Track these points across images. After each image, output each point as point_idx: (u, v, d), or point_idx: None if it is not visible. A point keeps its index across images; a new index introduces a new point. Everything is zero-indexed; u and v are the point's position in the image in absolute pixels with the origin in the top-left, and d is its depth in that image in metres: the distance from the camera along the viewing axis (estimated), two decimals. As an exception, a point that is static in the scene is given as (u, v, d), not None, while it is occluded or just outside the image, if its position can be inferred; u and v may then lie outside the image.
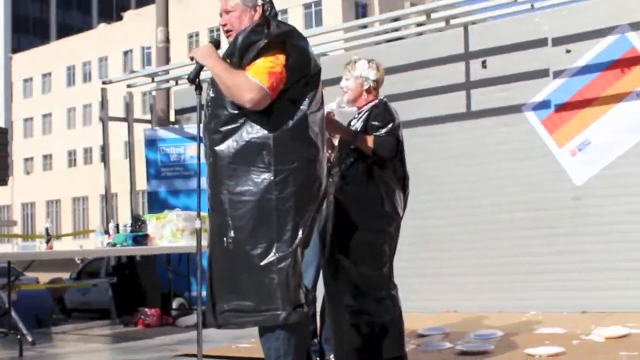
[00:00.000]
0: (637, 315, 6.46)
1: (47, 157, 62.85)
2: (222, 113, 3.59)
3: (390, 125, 4.46)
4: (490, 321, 6.70)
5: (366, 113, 4.55)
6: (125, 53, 58.54)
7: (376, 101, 4.63)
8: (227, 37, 3.73)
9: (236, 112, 3.54)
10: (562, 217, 7.39)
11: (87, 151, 60.12)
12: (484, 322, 6.65)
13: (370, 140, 4.38)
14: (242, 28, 3.64)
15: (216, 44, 3.75)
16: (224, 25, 3.75)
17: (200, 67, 3.68)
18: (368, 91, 4.62)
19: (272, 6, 3.74)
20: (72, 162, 60.94)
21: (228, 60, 3.61)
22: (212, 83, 3.64)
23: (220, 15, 3.76)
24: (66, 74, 62.25)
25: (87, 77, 60.91)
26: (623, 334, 5.59)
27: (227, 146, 3.54)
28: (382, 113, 4.52)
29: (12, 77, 65.94)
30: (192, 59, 3.72)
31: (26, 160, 60.03)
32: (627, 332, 5.63)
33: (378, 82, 4.65)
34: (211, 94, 3.67)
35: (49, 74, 63.19)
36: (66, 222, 49.51)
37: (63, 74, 62.35)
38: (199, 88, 3.68)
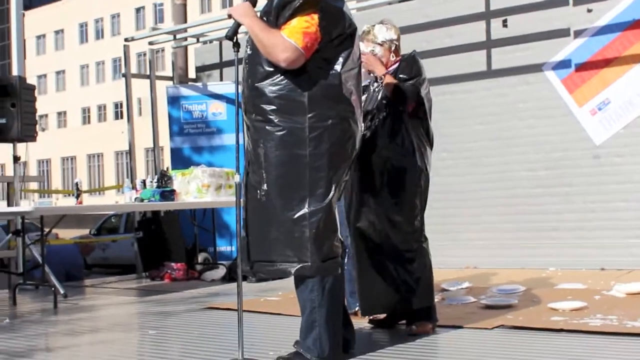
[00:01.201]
0: (655, 272, 6.62)
1: (61, 114, 63.04)
2: (258, 70, 3.70)
3: (416, 79, 4.57)
4: (510, 277, 6.83)
5: (394, 67, 4.66)
6: (138, 10, 58.31)
7: (404, 56, 4.75)
8: None
9: (272, 69, 3.66)
10: (581, 175, 7.50)
11: (101, 108, 60.25)
12: (505, 278, 6.79)
13: (393, 83, 4.50)
14: None
15: (253, 2, 3.84)
16: None
17: (237, 25, 3.77)
18: (395, 52, 4.73)
19: None
20: (86, 119, 61.13)
21: (264, 19, 3.72)
22: (251, 41, 3.74)
23: None
24: (79, 30, 62.13)
25: (99, 34, 60.81)
26: (643, 290, 5.71)
27: (264, 102, 3.66)
28: (410, 66, 4.64)
29: (25, 34, 65.87)
30: (229, 16, 3.81)
31: (41, 117, 60.18)
32: (647, 288, 5.74)
33: (399, 40, 4.75)
34: (249, 52, 3.78)
35: (62, 30, 63.11)
36: (82, 178, 49.74)
37: (75, 30, 62.25)
38: (236, 45, 3.78)
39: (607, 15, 7.42)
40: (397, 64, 4.70)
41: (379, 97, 4.58)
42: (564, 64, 7.63)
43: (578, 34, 7.56)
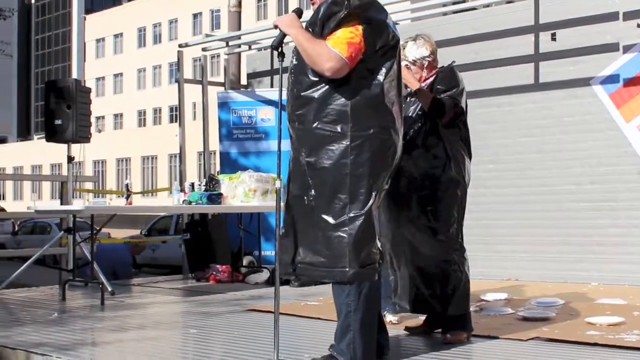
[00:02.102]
0: (697, 289, 6.56)
1: (117, 116, 64.14)
2: (303, 80, 3.81)
3: (454, 90, 4.64)
4: (551, 290, 6.82)
5: (431, 80, 4.74)
6: (195, 16, 59.07)
7: (441, 67, 4.82)
8: (312, 4, 3.94)
9: (317, 79, 3.77)
10: (626, 190, 7.46)
11: (157, 111, 61.16)
12: (545, 291, 6.79)
13: (430, 97, 4.58)
14: None
15: (299, 13, 3.97)
16: None
17: (283, 35, 3.89)
18: (428, 67, 4.80)
19: None
20: (141, 122, 62.08)
21: (310, 30, 3.82)
22: (296, 51, 3.86)
23: None
24: (137, 35, 63.18)
25: (157, 39, 61.74)
26: (683, 306, 5.69)
27: (308, 111, 3.78)
28: (447, 77, 4.71)
29: (85, 37, 67.17)
30: (276, 27, 3.94)
31: (98, 118, 61.33)
32: (687, 305, 5.73)
33: (434, 54, 4.82)
34: (294, 62, 3.90)
35: (121, 34, 64.25)
36: (135, 179, 50.59)
37: (134, 35, 63.30)
38: (281, 55, 3.90)
39: (657, 30, 7.38)
40: (433, 77, 4.77)
41: (416, 109, 4.67)
42: (612, 79, 7.60)
43: (627, 49, 7.52)
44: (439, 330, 4.78)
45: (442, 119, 4.58)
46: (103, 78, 65.29)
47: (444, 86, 4.65)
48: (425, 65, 4.78)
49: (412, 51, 4.74)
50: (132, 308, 6.58)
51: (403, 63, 4.65)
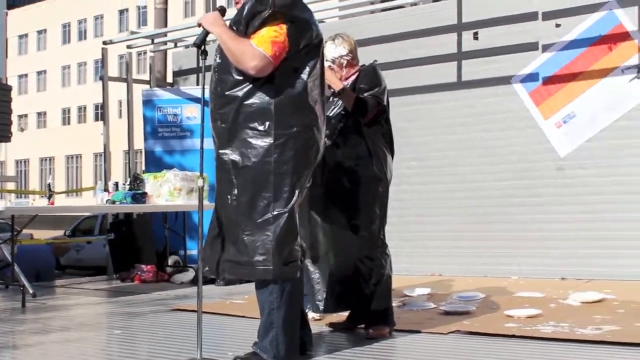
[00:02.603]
0: (613, 282, 6.78)
1: (41, 115, 62.79)
2: (227, 78, 3.82)
3: (376, 89, 4.71)
4: (473, 285, 6.96)
5: (353, 78, 4.80)
6: (121, 12, 58.22)
7: (363, 66, 4.88)
8: (236, 4, 3.95)
9: (241, 78, 3.77)
10: (545, 186, 7.66)
11: (81, 109, 60.07)
12: (467, 285, 6.93)
13: (353, 97, 4.64)
14: None
15: (222, 11, 3.97)
16: None
17: (206, 34, 3.89)
18: (347, 66, 4.86)
19: None
20: (66, 120, 60.94)
21: (234, 28, 3.83)
22: (220, 50, 3.86)
23: None
24: (61, 31, 61.95)
25: (82, 35, 60.64)
26: (598, 299, 5.85)
27: (231, 110, 3.78)
28: (369, 76, 4.78)
29: (7, 33, 65.60)
30: (199, 25, 3.93)
31: (20, 117, 59.99)
32: (602, 297, 5.89)
33: (352, 52, 4.87)
34: (218, 60, 3.89)
35: (44, 30, 62.89)
36: (59, 179, 49.67)
37: (58, 31, 62.05)
38: (204, 53, 3.90)
39: (574, 30, 7.58)
40: (356, 75, 4.83)
41: (337, 107, 4.72)
42: (531, 77, 7.79)
43: (546, 48, 7.72)
44: (362, 325, 4.83)
45: (365, 118, 4.64)
46: (26, 75, 63.83)
47: (367, 85, 4.71)
48: (344, 64, 4.84)
49: (330, 50, 4.79)
50: (54, 310, 6.48)
51: (326, 63, 4.69)
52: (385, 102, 4.75)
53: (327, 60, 4.72)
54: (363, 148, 4.66)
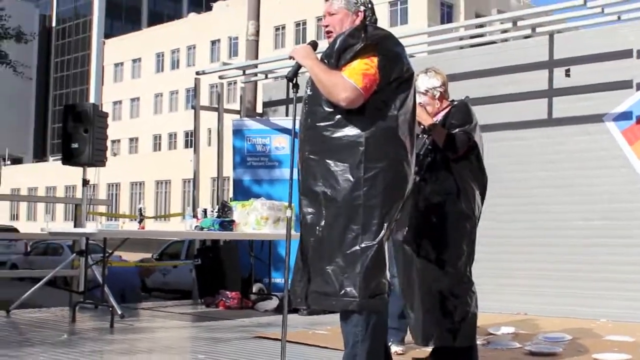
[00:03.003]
0: None
1: (133, 140, 64.54)
2: (318, 110, 3.85)
3: (467, 126, 4.70)
4: (559, 325, 6.82)
5: (444, 113, 4.80)
6: (213, 42, 59.56)
7: (455, 102, 4.88)
8: (328, 37, 4.00)
9: (331, 110, 3.80)
10: (637, 227, 7.46)
11: (172, 136, 61.50)
12: (553, 326, 6.79)
13: (444, 133, 4.64)
14: (342, 30, 3.90)
15: (314, 45, 4.02)
16: (326, 26, 4.02)
17: (298, 67, 3.93)
18: (440, 99, 4.87)
19: (373, 13, 4.01)
20: (157, 146, 62.43)
21: (325, 61, 3.88)
22: (311, 82, 3.91)
23: (324, 17, 4.04)
24: (155, 60, 63.73)
25: (175, 65, 62.23)
26: (691, 345, 5.68)
27: (322, 142, 3.82)
28: (460, 112, 4.77)
29: (104, 61, 67.83)
30: (291, 58, 3.99)
31: (113, 142, 61.71)
32: (695, 344, 5.71)
33: (445, 85, 4.89)
34: (309, 92, 3.94)
35: (139, 59, 64.82)
36: (148, 204, 50.76)
37: (152, 60, 63.85)
38: (296, 86, 3.95)
39: (670, 69, 7.42)
40: (446, 109, 4.83)
41: (427, 143, 4.72)
42: (625, 116, 7.64)
43: (640, 86, 7.57)
44: (446, 363, 4.78)
45: (455, 154, 4.63)
46: (120, 102, 65.80)
47: (458, 121, 4.71)
48: (436, 96, 4.85)
49: (424, 82, 4.81)
50: (141, 332, 6.61)
51: (419, 97, 4.71)
52: (476, 139, 4.73)
53: (419, 92, 4.74)
54: (451, 184, 4.64)
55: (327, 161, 3.79)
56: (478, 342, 4.91)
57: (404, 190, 3.87)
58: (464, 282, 4.64)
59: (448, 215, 4.60)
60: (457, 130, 4.67)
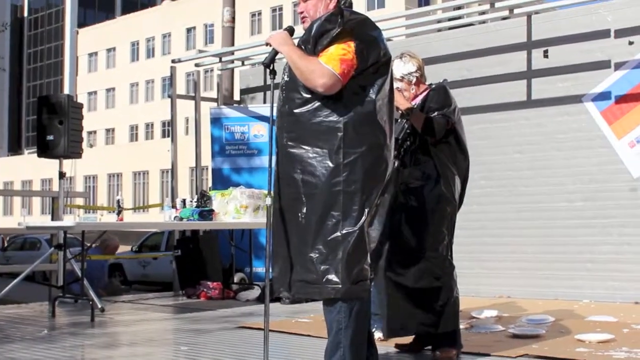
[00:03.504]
0: (689, 306, 6.57)
1: (109, 131, 64.16)
2: (295, 97, 3.80)
3: (445, 109, 4.67)
4: (542, 307, 6.83)
5: (422, 97, 4.76)
6: (189, 30, 59.25)
7: (433, 85, 4.85)
8: (303, 22, 3.95)
9: (309, 96, 3.75)
10: (618, 207, 7.47)
11: (149, 126, 61.19)
12: (536, 308, 6.79)
13: (422, 117, 4.60)
14: (317, 16, 3.86)
15: (290, 31, 3.98)
16: (301, 12, 3.97)
17: (275, 53, 3.88)
18: (417, 83, 4.83)
19: None
20: (134, 137, 62.09)
21: (302, 47, 3.82)
22: (288, 68, 3.86)
23: (299, 2, 3.98)
24: (130, 49, 63.29)
25: (150, 53, 61.86)
26: (674, 324, 5.70)
27: (300, 128, 3.77)
28: (439, 96, 4.75)
29: (78, 52, 67.26)
30: (268, 44, 3.94)
31: (89, 133, 61.34)
32: (678, 323, 5.73)
33: (421, 69, 4.85)
34: (286, 78, 3.89)
35: (114, 49, 64.37)
36: (127, 195, 50.55)
37: (127, 49, 63.43)
38: (273, 72, 3.90)
39: (648, 48, 7.41)
40: (425, 93, 4.79)
41: (406, 127, 4.68)
42: (603, 96, 7.63)
43: (619, 66, 7.56)
44: (429, 347, 4.77)
45: (433, 138, 4.60)
46: (95, 92, 65.32)
47: (437, 104, 4.68)
48: (413, 81, 4.82)
49: (399, 68, 4.76)
50: (122, 325, 6.55)
51: (395, 82, 4.66)
52: (454, 121, 4.69)
53: (396, 78, 4.69)
54: (431, 168, 4.62)
55: (306, 147, 3.75)
56: (461, 326, 4.89)
57: (384, 175, 3.84)
58: (446, 267, 4.62)
59: (428, 199, 4.58)
60: (435, 113, 4.64)
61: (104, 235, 9.38)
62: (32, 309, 7.59)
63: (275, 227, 3.90)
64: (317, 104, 3.74)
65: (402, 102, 4.62)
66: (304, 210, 3.75)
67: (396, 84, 4.69)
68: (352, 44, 3.73)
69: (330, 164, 3.71)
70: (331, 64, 3.68)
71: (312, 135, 3.74)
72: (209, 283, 8.41)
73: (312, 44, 3.78)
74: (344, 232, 3.69)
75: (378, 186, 3.82)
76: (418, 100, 4.79)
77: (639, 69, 7.44)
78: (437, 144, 4.65)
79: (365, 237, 3.78)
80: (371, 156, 3.75)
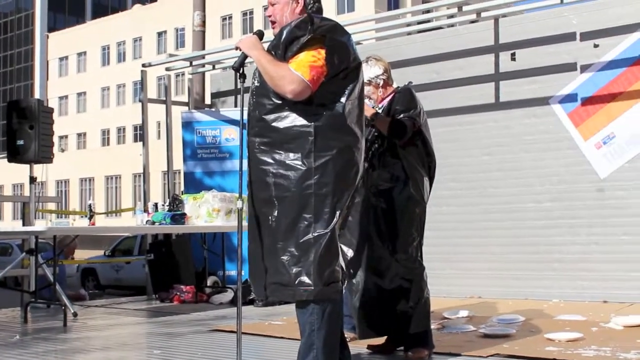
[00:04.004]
0: (656, 305, 6.69)
1: (81, 135, 63.68)
2: (266, 102, 3.84)
3: (412, 111, 4.74)
4: (512, 307, 6.91)
5: (389, 99, 4.83)
6: (160, 34, 58.96)
7: (399, 88, 4.91)
8: (273, 27, 3.98)
9: (279, 102, 3.79)
10: (585, 208, 7.58)
11: (121, 130, 60.78)
12: (506, 308, 6.87)
13: (387, 121, 4.66)
14: (284, 19, 3.90)
15: (260, 35, 4.01)
16: (270, 16, 4.01)
17: (244, 57, 3.92)
18: (384, 86, 4.90)
19: (315, 0, 3.99)
20: (105, 141, 61.68)
21: (272, 52, 3.86)
22: (258, 73, 3.89)
23: (267, 7, 4.03)
24: (101, 53, 62.87)
25: (121, 57, 61.47)
26: (640, 322, 5.79)
27: (271, 133, 3.80)
28: (405, 98, 4.81)
29: (48, 56, 66.70)
30: (237, 48, 3.97)
31: (61, 138, 60.84)
32: (645, 321, 5.82)
33: (387, 72, 4.92)
34: (256, 83, 3.92)
35: (84, 53, 63.89)
36: (99, 199, 50.24)
37: (98, 53, 62.99)
38: (242, 76, 3.93)
39: (613, 50, 7.53)
40: (391, 96, 4.85)
41: (373, 130, 4.74)
42: (570, 98, 7.75)
43: (585, 68, 7.67)
44: (401, 348, 4.82)
45: (401, 140, 4.66)
46: (66, 97, 64.79)
47: (402, 106, 4.74)
48: (380, 84, 4.89)
49: (366, 71, 4.81)
50: (95, 329, 6.55)
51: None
52: (420, 123, 4.75)
53: (368, 82, 4.76)
54: (399, 170, 4.68)
55: (278, 151, 3.79)
56: (433, 326, 4.96)
57: (355, 178, 3.89)
58: (416, 267, 4.68)
59: (397, 201, 4.64)
60: (401, 115, 4.70)
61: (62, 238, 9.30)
62: (4, 315, 7.55)
63: (249, 230, 3.94)
64: (287, 109, 3.78)
65: (366, 109, 4.68)
66: (276, 213, 3.79)
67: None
68: (322, 51, 3.77)
69: (302, 168, 3.75)
70: (301, 70, 3.72)
71: (283, 139, 3.78)
72: (182, 287, 8.42)
73: (282, 50, 3.81)
74: (315, 234, 3.73)
75: (349, 189, 3.87)
76: (385, 102, 4.85)
77: (605, 71, 7.57)
78: (405, 147, 4.71)
79: (337, 239, 3.82)
80: (342, 159, 3.80)
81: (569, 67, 7.75)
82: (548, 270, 7.70)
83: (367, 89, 4.82)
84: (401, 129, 4.65)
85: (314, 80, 3.73)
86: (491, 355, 4.76)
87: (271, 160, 3.81)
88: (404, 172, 4.67)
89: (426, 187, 4.79)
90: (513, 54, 8.12)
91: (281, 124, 3.78)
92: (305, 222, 3.74)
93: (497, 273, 7.99)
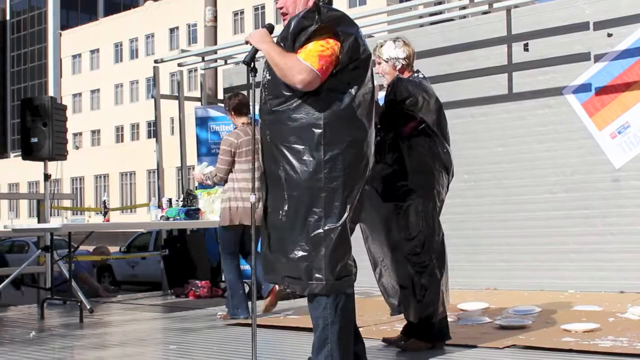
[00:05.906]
0: (672, 294, 6.65)
1: (95, 132, 63.92)
2: (276, 94, 3.83)
3: (409, 100, 4.64)
4: (529, 299, 6.90)
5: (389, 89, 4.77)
6: (172, 30, 59.06)
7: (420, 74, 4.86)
8: (283, 19, 3.97)
9: (289, 94, 3.78)
10: (600, 198, 7.55)
11: (134, 127, 60.97)
12: (522, 299, 6.86)
13: (378, 112, 4.61)
14: (296, 11, 3.88)
15: (270, 28, 4.00)
16: (281, 8, 3.99)
17: (255, 51, 3.92)
18: (401, 70, 4.83)
19: None
20: (119, 138, 61.89)
21: (282, 44, 3.85)
22: (268, 66, 3.89)
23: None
24: (114, 50, 63.05)
25: (134, 54, 61.63)
26: (657, 312, 5.75)
27: (281, 126, 3.80)
28: (394, 89, 4.69)
29: (62, 54, 66.96)
30: (247, 42, 3.97)
31: (75, 135, 61.10)
32: (662, 311, 5.79)
33: (409, 59, 4.84)
34: (267, 77, 3.91)
35: (97, 50, 64.10)
36: (113, 196, 50.42)
37: (111, 50, 63.17)
38: (253, 70, 3.93)
39: (627, 40, 7.48)
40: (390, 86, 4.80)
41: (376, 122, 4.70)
42: (584, 88, 7.70)
43: (598, 58, 7.63)
44: (417, 341, 4.81)
45: (400, 129, 4.61)
46: (80, 94, 65.05)
47: (394, 97, 4.67)
48: (397, 67, 4.80)
49: (388, 49, 4.77)
50: (111, 325, 6.58)
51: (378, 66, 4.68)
52: (421, 114, 4.67)
53: (382, 58, 4.74)
54: (401, 162, 4.61)
55: (288, 145, 3.77)
56: (449, 318, 4.94)
57: (365, 171, 3.87)
58: (427, 260, 4.63)
59: (404, 192, 4.58)
60: (395, 106, 4.64)
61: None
62: (21, 312, 7.60)
63: (262, 225, 3.93)
64: (297, 101, 3.76)
65: None
66: (286, 207, 3.78)
67: (379, 67, 4.72)
68: (330, 41, 3.76)
69: (312, 161, 3.73)
70: (309, 60, 3.70)
71: (293, 132, 3.77)
72: (197, 282, 8.44)
73: (291, 40, 3.80)
74: (326, 228, 3.72)
75: (359, 182, 3.86)
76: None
77: (618, 60, 7.52)
78: (408, 139, 4.64)
79: (348, 233, 3.81)
80: (352, 152, 3.78)
81: (583, 57, 7.71)
82: (564, 261, 7.67)
83: (383, 66, 4.79)
84: (390, 120, 4.60)
85: (323, 69, 3.71)
86: (507, 347, 4.75)
87: (282, 154, 3.80)
88: (407, 164, 4.59)
89: (438, 178, 4.70)
90: (526, 45, 8.08)
91: (291, 117, 3.77)
92: (316, 217, 3.72)
93: (512, 264, 7.96)
